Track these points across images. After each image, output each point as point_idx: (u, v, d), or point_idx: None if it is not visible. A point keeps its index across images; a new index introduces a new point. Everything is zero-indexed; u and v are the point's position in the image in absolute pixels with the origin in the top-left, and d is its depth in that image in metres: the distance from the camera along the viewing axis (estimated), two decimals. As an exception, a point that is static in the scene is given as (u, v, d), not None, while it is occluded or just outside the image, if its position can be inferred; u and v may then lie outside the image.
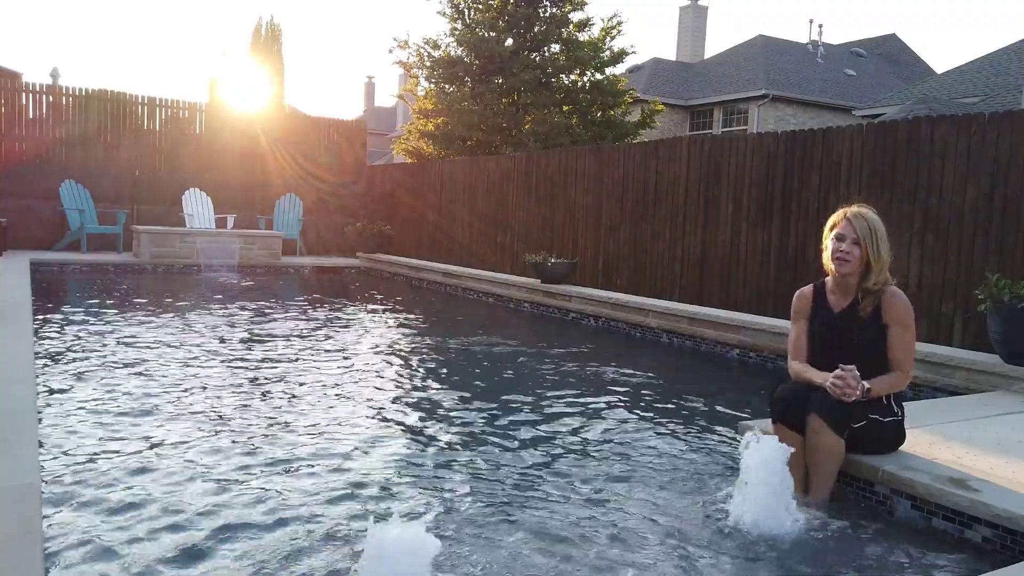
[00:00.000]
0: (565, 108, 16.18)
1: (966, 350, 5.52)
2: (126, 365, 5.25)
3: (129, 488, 3.05)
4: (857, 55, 28.35)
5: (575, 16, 16.55)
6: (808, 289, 3.34)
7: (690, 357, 6.88)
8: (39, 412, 3.78)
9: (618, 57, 16.55)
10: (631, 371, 5.93)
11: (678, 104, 24.76)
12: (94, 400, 4.32)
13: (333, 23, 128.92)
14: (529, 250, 10.37)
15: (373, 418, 4.33)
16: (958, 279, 5.79)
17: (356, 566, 2.22)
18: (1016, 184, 5.50)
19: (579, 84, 16.64)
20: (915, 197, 6.13)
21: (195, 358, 5.61)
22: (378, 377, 5.42)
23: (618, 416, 4.53)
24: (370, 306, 9.52)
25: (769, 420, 3.16)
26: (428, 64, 16.77)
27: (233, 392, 4.73)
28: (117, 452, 3.47)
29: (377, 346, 6.68)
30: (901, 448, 3.15)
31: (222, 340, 6.43)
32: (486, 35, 16.10)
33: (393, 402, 4.74)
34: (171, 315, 7.66)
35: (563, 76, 16.46)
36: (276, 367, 5.50)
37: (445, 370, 5.85)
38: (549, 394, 5.02)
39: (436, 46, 16.82)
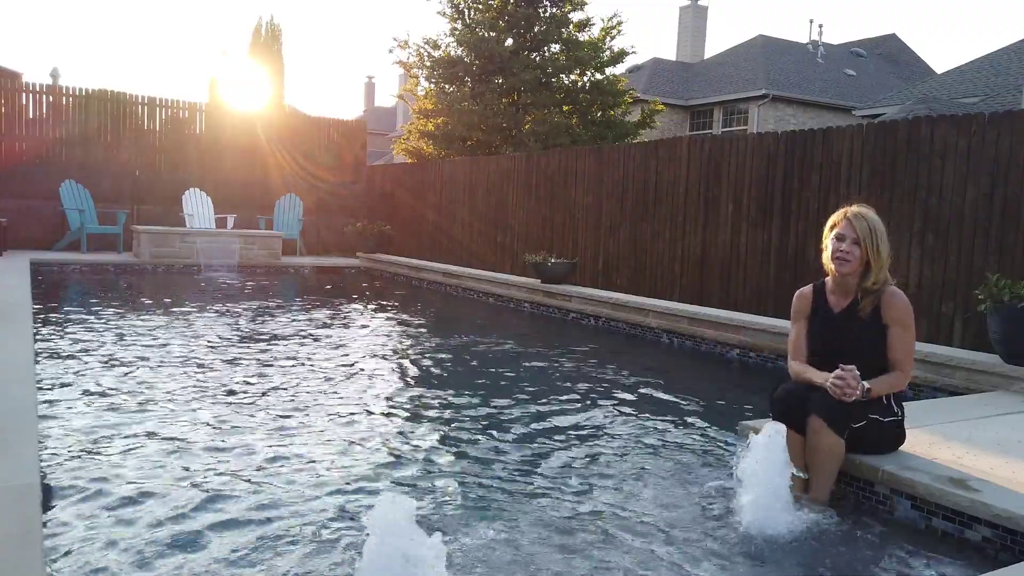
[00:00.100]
0: (565, 108, 16.18)
1: (966, 350, 5.52)
2: (126, 365, 5.25)
3: (129, 488, 3.05)
4: (857, 55, 28.35)
5: (575, 16, 16.55)
6: (808, 289, 3.34)
7: (690, 357, 6.88)
8: (39, 412, 3.78)
9: (618, 57, 16.55)
10: (631, 371, 5.93)
11: (678, 104, 24.76)
12: (94, 400, 4.32)
13: (333, 23, 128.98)
14: (529, 250, 10.37)
15: (373, 418, 4.32)
16: (958, 279, 5.79)
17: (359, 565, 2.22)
18: (1016, 184, 5.50)
19: (579, 84, 16.64)
20: (915, 197, 6.13)
21: (195, 358, 5.61)
22: (377, 376, 5.42)
23: (618, 416, 4.53)
24: (370, 306, 9.52)
25: (769, 420, 3.16)
26: (428, 64, 16.77)
27: (233, 391, 4.73)
28: (117, 452, 3.47)
29: (376, 346, 6.68)
30: (901, 448, 3.15)
31: (222, 340, 6.43)
32: (486, 35, 16.09)
33: (393, 401, 4.74)
34: (171, 315, 7.66)
35: (563, 76, 16.46)
36: (276, 367, 5.50)
37: (445, 370, 5.85)
38: (548, 394, 5.02)
39: (436, 46, 16.82)
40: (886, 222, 3.22)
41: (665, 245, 8.52)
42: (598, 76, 16.66)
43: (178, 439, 3.72)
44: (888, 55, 29.00)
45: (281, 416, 4.23)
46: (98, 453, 3.44)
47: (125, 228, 12.71)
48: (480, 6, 16.60)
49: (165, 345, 6.03)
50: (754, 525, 2.79)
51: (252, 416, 4.20)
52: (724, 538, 2.80)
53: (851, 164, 6.63)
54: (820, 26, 40.73)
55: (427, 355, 6.39)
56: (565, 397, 4.96)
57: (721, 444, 4.01)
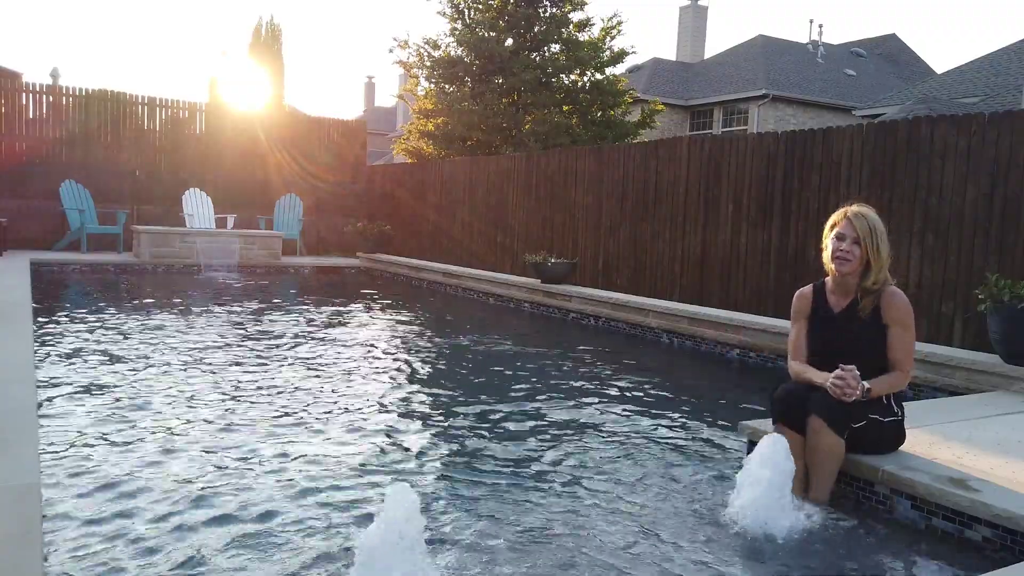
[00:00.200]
0: (565, 108, 16.18)
1: (966, 350, 5.52)
2: (126, 365, 5.25)
3: (129, 487, 3.05)
4: (857, 55, 28.35)
5: (575, 16, 16.55)
6: (808, 289, 3.34)
7: (690, 357, 6.88)
8: (39, 412, 3.78)
9: (618, 57, 16.55)
10: (631, 371, 5.93)
11: (678, 104, 24.76)
12: (94, 400, 4.32)
13: (333, 23, 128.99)
14: (529, 250, 10.37)
15: (373, 418, 4.32)
16: (958, 279, 5.79)
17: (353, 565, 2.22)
18: (1016, 184, 5.50)
19: (579, 84, 16.64)
20: (915, 197, 6.13)
21: (195, 357, 5.61)
22: (377, 376, 5.42)
23: (617, 416, 4.53)
24: (370, 306, 9.52)
25: (770, 420, 3.16)
26: (428, 64, 16.77)
27: (233, 391, 4.73)
28: (117, 451, 3.47)
29: (376, 346, 6.68)
30: (901, 448, 3.15)
31: (222, 339, 6.43)
32: (486, 35, 16.09)
33: (392, 401, 4.74)
34: (171, 315, 7.66)
35: (563, 76, 16.46)
36: (276, 366, 5.50)
37: (444, 369, 5.85)
38: (548, 394, 5.02)
39: (436, 46, 16.82)
40: (886, 222, 3.22)
41: (665, 245, 8.52)
42: (598, 76, 16.66)
43: (178, 438, 3.72)
44: (888, 55, 29.00)
45: (280, 415, 4.23)
46: (98, 452, 3.44)
47: (125, 228, 12.71)
48: (480, 6, 16.60)
49: (165, 345, 6.03)
50: (754, 525, 2.79)
51: (252, 415, 4.20)
52: (724, 538, 2.80)
53: (851, 164, 6.63)
54: (820, 26, 40.77)
55: (427, 355, 6.39)
56: (564, 397, 4.96)
57: (721, 444, 4.01)
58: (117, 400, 4.36)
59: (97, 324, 6.84)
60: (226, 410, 4.29)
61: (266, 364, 5.58)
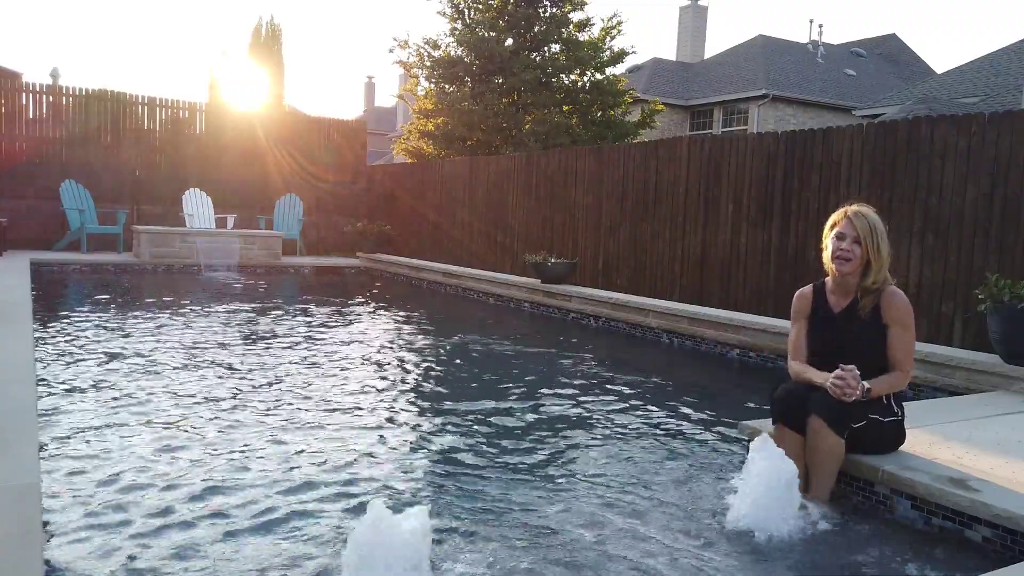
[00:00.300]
0: (565, 108, 16.18)
1: (966, 350, 5.51)
2: (126, 364, 5.25)
3: (129, 487, 3.05)
4: (857, 55, 28.35)
5: (575, 16, 16.56)
6: (808, 289, 3.34)
7: (690, 357, 6.88)
8: (39, 412, 3.78)
9: (618, 57, 16.55)
10: (631, 371, 5.93)
11: (678, 104, 24.76)
12: (94, 400, 4.32)
13: (333, 23, 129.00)
14: (529, 250, 10.37)
15: (372, 417, 4.32)
16: (958, 279, 5.79)
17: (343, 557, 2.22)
18: (1016, 184, 5.50)
19: (579, 84, 16.64)
20: (915, 197, 6.13)
21: (195, 357, 5.61)
22: (376, 376, 5.42)
23: (617, 416, 4.53)
24: (370, 306, 9.52)
25: (770, 420, 3.16)
26: (428, 64, 16.78)
27: (233, 391, 4.73)
28: (117, 451, 3.47)
29: (375, 345, 6.68)
30: (901, 448, 3.15)
31: (222, 339, 6.43)
32: (486, 35, 16.10)
33: (392, 400, 4.74)
34: (171, 315, 7.66)
35: (563, 76, 16.46)
36: (275, 366, 5.50)
37: (444, 369, 5.85)
38: (548, 393, 5.02)
39: (436, 46, 16.83)
40: (886, 222, 3.22)
41: (665, 245, 8.52)
42: (598, 76, 16.67)
43: (178, 438, 3.72)
44: (888, 55, 29.01)
45: (280, 414, 4.23)
46: (98, 452, 3.44)
47: (125, 228, 12.71)
48: (480, 6, 16.61)
49: (165, 344, 6.03)
50: (755, 525, 2.79)
51: (252, 414, 4.20)
52: (724, 538, 2.80)
53: (851, 164, 6.63)
54: (820, 26, 40.77)
55: (426, 355, 6.39)
56: (564, 397, 4.96)
57: (721, 444, 4.01)
58: (117, 399, 4.36)
59: (97, 324, 6.84)
60: (226, 409, 4.29)
61: (266, 364, 5.58)
